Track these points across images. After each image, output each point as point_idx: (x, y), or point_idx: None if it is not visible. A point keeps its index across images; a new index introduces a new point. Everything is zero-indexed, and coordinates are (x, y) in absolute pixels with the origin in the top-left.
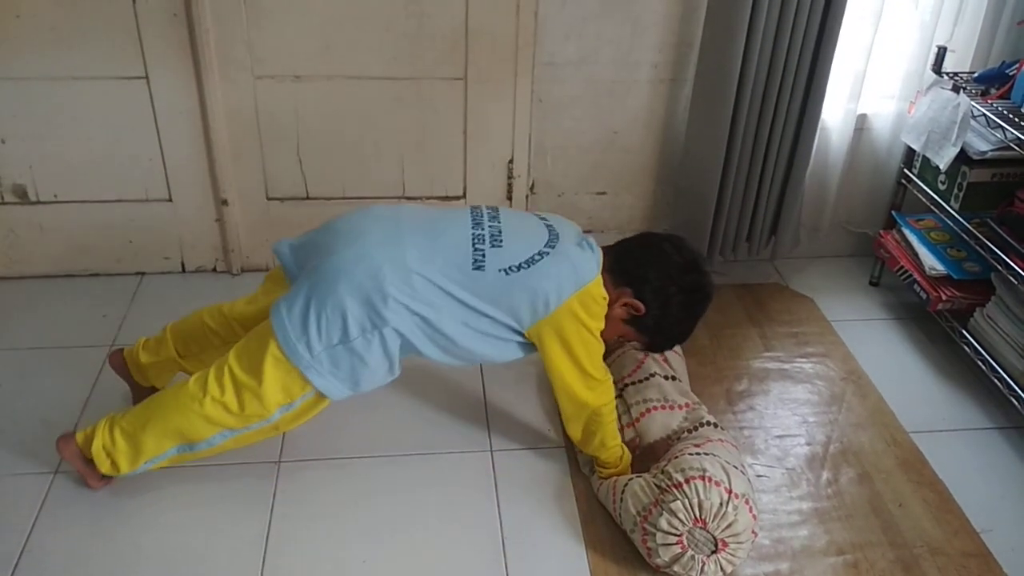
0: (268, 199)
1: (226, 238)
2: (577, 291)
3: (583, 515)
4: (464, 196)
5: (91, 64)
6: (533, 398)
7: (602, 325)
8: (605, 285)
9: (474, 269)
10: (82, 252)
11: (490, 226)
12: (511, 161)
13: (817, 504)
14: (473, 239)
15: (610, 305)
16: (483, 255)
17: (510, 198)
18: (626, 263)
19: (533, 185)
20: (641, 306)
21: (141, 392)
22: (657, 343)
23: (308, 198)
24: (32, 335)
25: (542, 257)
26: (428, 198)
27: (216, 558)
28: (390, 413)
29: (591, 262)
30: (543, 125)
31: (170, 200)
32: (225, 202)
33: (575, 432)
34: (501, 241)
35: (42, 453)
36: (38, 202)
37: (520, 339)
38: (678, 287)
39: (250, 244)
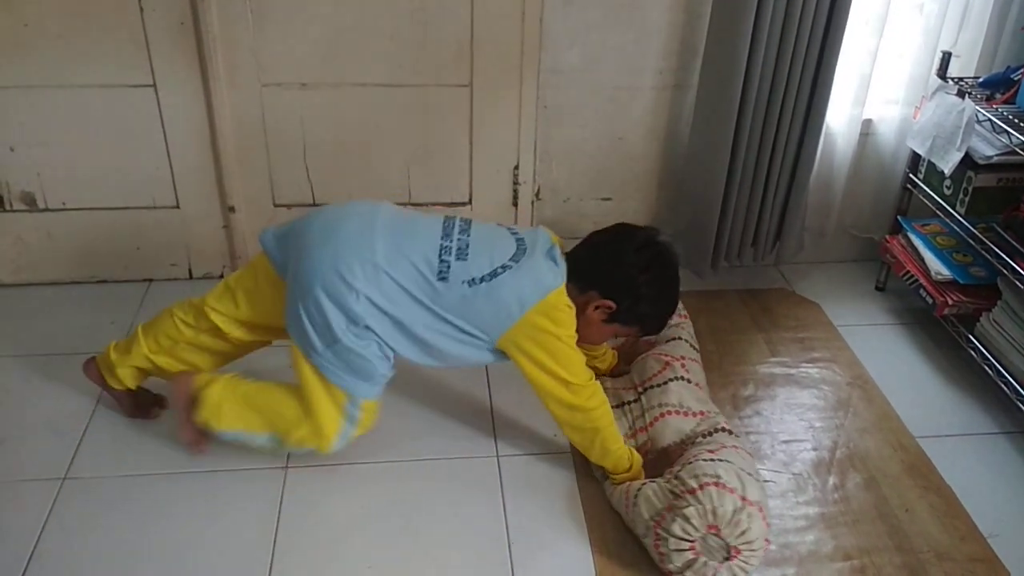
0: (275, 206)
1: (233, 245)
2: (539, 301)
3: (589, 520)
4: (470, 202)
5: (99, 72)
6: (539, 403)
7: (573, 331)
8: (571, 294)
9: (438, 280)
10: (90, 259)
11: (459, 238)
12: (517, 167)
13: (824, 509)
14: (440, 250)
15: (584, 312)
16: (448, 267)
17: (516, 204)
18: (581, 267)
19: (539, 191)
20: (612, 304)
21: (120, 398)
22: (648, 326)
23: (315, 204)
24: (40, 342)
25: (504, 271)
26: (434, 204)
27: (224, 563)
28: (396, 419)
29: (554, 273)
30: (548, 131)
31: (177, 207)
32: (232, 209)
33: (574, 438)
34: (467, 255)
35: (50, 459)
36: (46, 209)
37: (490, 346)
38: (638, 269)
39: (257, 250)
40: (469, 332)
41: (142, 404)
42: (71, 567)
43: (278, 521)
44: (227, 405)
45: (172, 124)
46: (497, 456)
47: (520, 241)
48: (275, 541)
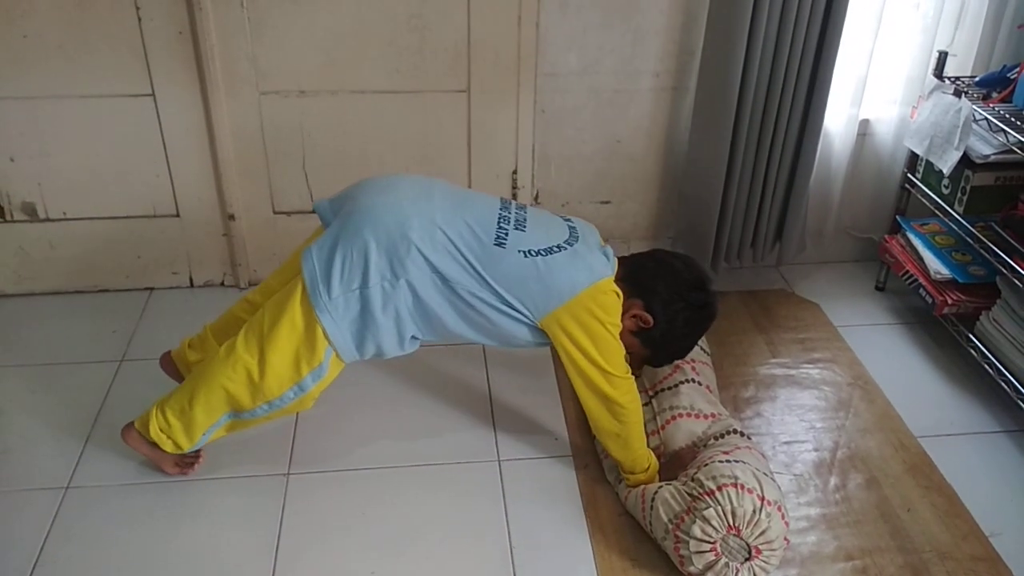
0: (275, 213)
1: (234, 252)
2: (590, 285)
3: (592, 524)
4: None
5: (98, 82)
6: (540, 407)
7: (618, 320)
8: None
9: (495, 244)
10: (91, 268)
11: (516, 212)
12: (515, 171)
13: (825, 510)
14: (499, 218)
15: (620, 315)
16: (506, 233)
17: None
18: (638, 275)
19: (537, 195)
20: (650, 318)
21: None
22: (659, 357)
23: (314, 212)
24: (42, 351)
25: (560, 250)
26: None
27: (227, 569)
28: (397, 424)
29: (606, 265)
30: (546, 135)
31: (178, 215)
32: (232, 217)
33: (601, 428)
34: (525, 227)
35: (53, 468)
36: (47, 219)
37: (531, 324)
38: (686, 303)
39: (257, 258)
40: (513, 306)
41: None
42: (74, 575)
43: (280, 527)
44: (175, 427)
45: (171, 133)
46: (498, 460)
47: (573, 229)
48: (278, 547)
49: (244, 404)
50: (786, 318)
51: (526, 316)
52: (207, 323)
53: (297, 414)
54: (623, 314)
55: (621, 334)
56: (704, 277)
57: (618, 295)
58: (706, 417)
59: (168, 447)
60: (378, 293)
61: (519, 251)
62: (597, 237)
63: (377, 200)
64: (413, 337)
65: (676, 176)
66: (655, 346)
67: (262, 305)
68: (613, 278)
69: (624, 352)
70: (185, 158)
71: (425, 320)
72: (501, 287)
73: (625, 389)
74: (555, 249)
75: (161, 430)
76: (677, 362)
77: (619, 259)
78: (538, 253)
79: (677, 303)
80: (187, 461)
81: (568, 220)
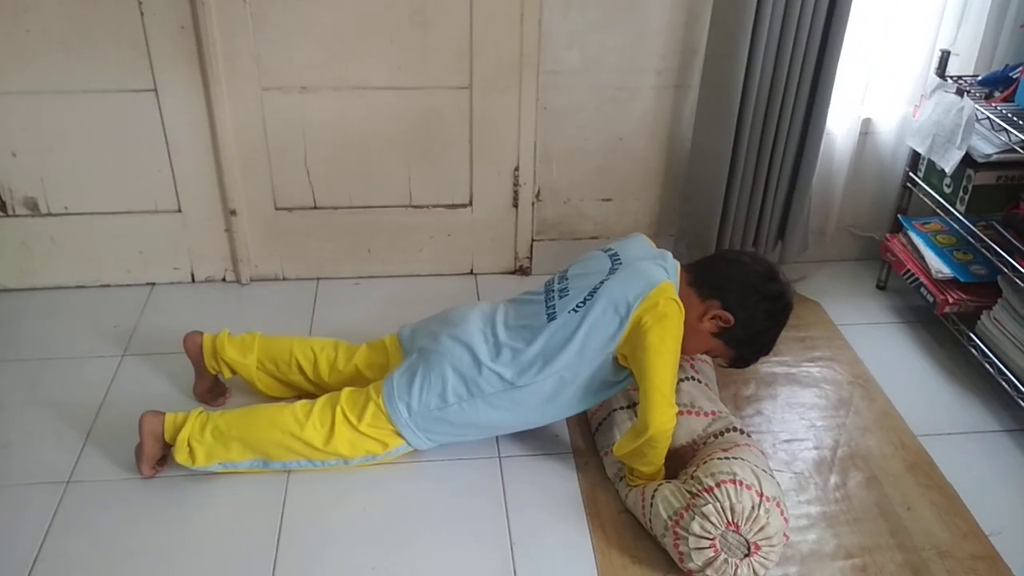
0: (276, 209)
1: (235, 248)
2: (647, 292)
3: (592, 521)
4: (470, 204)
5: (100, 77)
6: None
7: (680, 327)
8: (690, 299)
9: (548, 321)
10: (92, 263)
11: (559, 286)
12: (517, 169)
13: (825, 508)
14: (546, 304)
15: (699, 320)
16: (554, 308)
17: (516, 206)
18: (709, 276)
19: (539, 192)
20: (730, 317)
21: (204, 377)
22: (745, 355)
23: (316, 207)
24: (43, 346)
25: (603, 284)
26: (434, 206)
27: (227, 565)
28: None
29: (659, 271)
30: (548, 132)
31: (179, 211)
32: (234, 212)
33: (626, 447)
34: (568, 292)
35: (54, 463)
36: (49, 214)
37: (610, 359)
38: (762, 295)
39: (259, 254)
40: (588, 348)
41: (215, 391)
42: (75, 570)
43: (281, 523)
44: (206, 444)
45: (173, 128)
46: (499, 457)
47: (613, 256)
48: (278, 543)
49: (282, 458)
50: None
51: (600, 357)
52: (256, 332)
53: None
54: (703, 317)
55: (703, 337)
56: (774, 268)
57: (676, 300)
58: (706, 415)
59: (182, 456)
60: (455, 411)
61: (568, 311)
62: (647, 250)
63: (452, 333)
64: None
65: (678, 174)
66: (740, 344)
67: (318, 357)
68: (669, 282)
69: (676, 365)
70: (187, 153)
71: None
72: (566, 346)
73: (667, 415)
74: (598, 286)
75: (191, 438)
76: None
77: (685, 266)
78: (584, 301)
79: (753, 297)
80: (162, 465)
81: (609, 249)
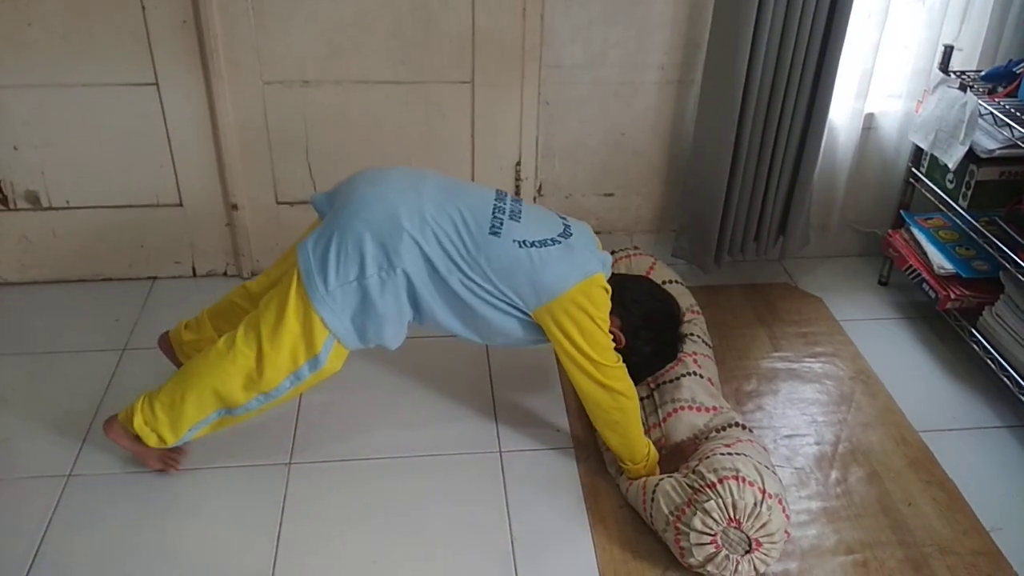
0: (278, 203)
1: (236, 242)
2: (582, 281)
3: (592, 515)
4: None
5: (102, 71)
6: (541, 399)
7: (606, 315)
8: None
9: (490, 233)
10: (94, 257)
11: (512, 204)
12: (519, 163)
13: (826, 503)
14: (494, 208)
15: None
16: (501, 223)
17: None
18: (623, 293)
19: (541, 187)
20: (622, 338)
21: None
22: (629, 369)
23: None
24: (45, 340)
25: (554, 244)
26: None
27: (228, 558)
28: (399, 415)
29: (598, 263)
30: (550, 127)
31: (181, 205)
32: (235, 206)
33: (596, 416)
34: (520, 218)
35: (55, 456)
36: (50, 208)
37: (525, 318)
38: (655, 333)
39: (260, 248)
40: (505, 297)
41: None
42: (76, 563)
43: (282, 516)
44: (161, 421)
45: (175, 122)
46: (500, 451)
47: (567, 226)
48: (279, 536)
49: (238, 399)
50: (789, 312)
51: (517, 308)
52: (205, 308)
53: (299, 405)
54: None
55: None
56: (678, 316)
57: (607, 291)
58: (708, 410)
59: (151, 441)
60: (376, 283)
61: (513, 240)
62: (592, 237)
63: (369, 192)
64: (410, 322)
65: (680, 169)
66: (624, 359)
67: (259, 294)
68: (602, 273)
69: (612, 344)
70: (188, 147)
71: (417, 310)
72: (494, 275)
73: (617, 377)
74: (549, 242)
75: (146, 423)
76: (680, 355)
77: (615, 274)
78: (532, 244)
79: (647, 332)
80: (171, 457)
81: (563, 218)
